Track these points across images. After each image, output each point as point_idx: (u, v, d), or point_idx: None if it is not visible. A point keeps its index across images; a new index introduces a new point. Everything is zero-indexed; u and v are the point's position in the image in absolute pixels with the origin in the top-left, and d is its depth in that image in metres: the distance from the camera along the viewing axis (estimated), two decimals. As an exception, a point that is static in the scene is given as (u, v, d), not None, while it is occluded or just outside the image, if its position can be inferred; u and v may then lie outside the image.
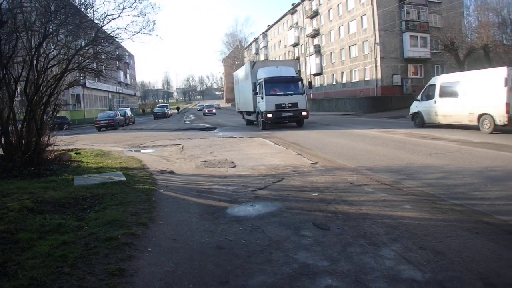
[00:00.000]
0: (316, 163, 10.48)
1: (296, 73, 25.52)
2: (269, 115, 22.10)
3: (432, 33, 44.68)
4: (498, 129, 15.23)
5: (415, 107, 19.98)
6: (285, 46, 72.72)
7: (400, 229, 5.04)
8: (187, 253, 4.57)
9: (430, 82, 19.45)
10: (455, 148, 11.83)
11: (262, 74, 23.16)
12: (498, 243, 4.50)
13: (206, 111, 64.99)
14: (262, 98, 22.26)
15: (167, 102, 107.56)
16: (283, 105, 22.07)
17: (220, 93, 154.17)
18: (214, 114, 61.39)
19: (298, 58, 65.00)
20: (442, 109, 17.94)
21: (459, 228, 5.03)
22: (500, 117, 14.86)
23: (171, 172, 9.88)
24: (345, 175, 8.71)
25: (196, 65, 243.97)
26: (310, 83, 24.93)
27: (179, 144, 16.36)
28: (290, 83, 22.81)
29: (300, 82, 23.25)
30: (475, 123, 16.17)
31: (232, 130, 24.99)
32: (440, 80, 18.68)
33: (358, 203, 6.38)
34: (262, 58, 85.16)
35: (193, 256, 4.47)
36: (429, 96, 18.94)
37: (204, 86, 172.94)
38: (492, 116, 15.22)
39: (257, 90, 23.11)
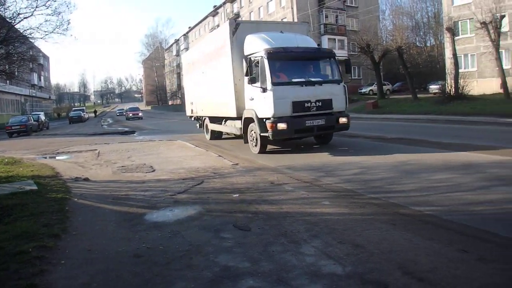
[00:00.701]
0: (237, 164, 10.43)
1: (318, 45, 14.69)
2: (282, 125, 10.86)
3: (349, 36, 46.95)
4: None
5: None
6: (207, 48, 72.14)
7: (320, 226, 5.10)
8: (103, 263, 4.31)
9: None
10: (371, 145, 12.36)
11: (259, 43, 11.59)
12: (415, 233, 4.69)
13: (131, 115, 52.16)
14: (265, 90, 10.97)
15: (84, 106, 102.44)
16: (306, 105, 11.10)
17: (140, 95, 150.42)
18: (141, 118, 50.04)
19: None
20: None
21: (377, 221, 5.20)
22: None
23: (86, 179, 9.36)
24: (265, 175, 8.74)
25: (114, 67, 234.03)
26: (348, 61, 12.92)
27: (95, 150, 15.56)
28: (311, 62, 12.21)
29: (332, 60, 12.25)
30: None
31: (151, 133, 24.37)
32: None
33: (278, 202, 6.40)
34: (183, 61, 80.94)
35: (109, 266, 4.22)
36: None
37: (123, 88, 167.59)
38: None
39: (253, 75, 11.16)
